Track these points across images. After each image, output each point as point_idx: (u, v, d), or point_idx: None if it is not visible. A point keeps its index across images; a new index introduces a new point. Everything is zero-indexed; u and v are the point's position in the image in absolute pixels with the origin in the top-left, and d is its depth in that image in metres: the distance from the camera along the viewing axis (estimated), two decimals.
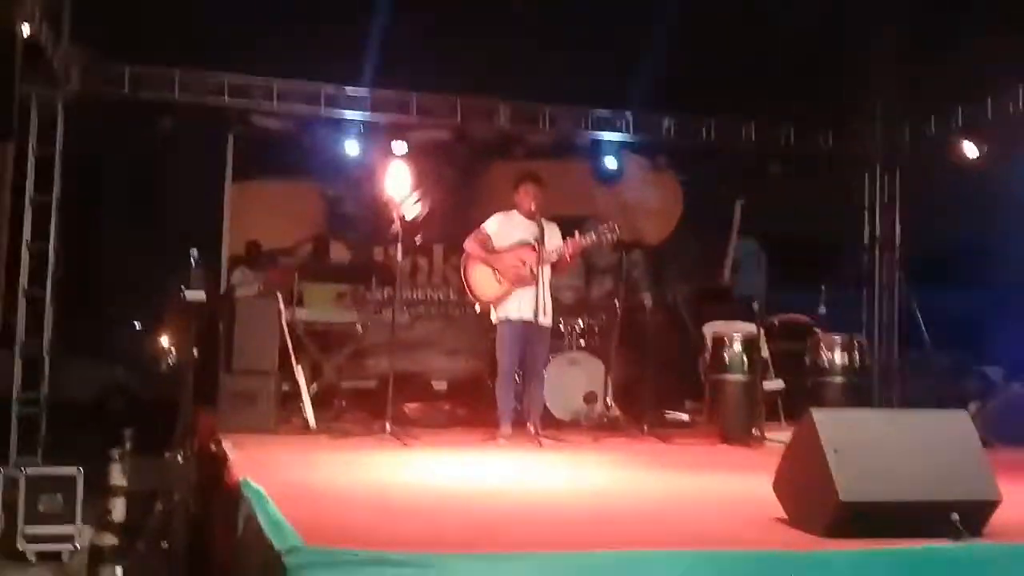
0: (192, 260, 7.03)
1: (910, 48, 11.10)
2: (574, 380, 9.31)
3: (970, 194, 10.70)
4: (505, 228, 7.82)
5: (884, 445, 3.88)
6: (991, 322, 10.78)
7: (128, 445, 7.33)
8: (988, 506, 3.84)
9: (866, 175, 11.81)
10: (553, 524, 4.23)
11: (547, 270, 7.70)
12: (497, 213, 7.97)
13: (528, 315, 7.47)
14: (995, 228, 10.96)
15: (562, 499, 5.04)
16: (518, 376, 7.94)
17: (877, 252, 11.74)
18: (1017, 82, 9.66)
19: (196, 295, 6.96)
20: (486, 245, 7.81)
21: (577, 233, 8.00)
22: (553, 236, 7.79)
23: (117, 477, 7.04)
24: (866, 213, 11.82)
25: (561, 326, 9.47)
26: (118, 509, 6.94)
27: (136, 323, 13.85)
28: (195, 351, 7.31)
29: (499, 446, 7.33)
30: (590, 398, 9.28)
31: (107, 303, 13.03)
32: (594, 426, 8.87)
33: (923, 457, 3.86)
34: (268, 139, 10.62)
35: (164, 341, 11.94)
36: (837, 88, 11.30)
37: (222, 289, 10.27)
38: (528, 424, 7.59)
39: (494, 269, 7.74)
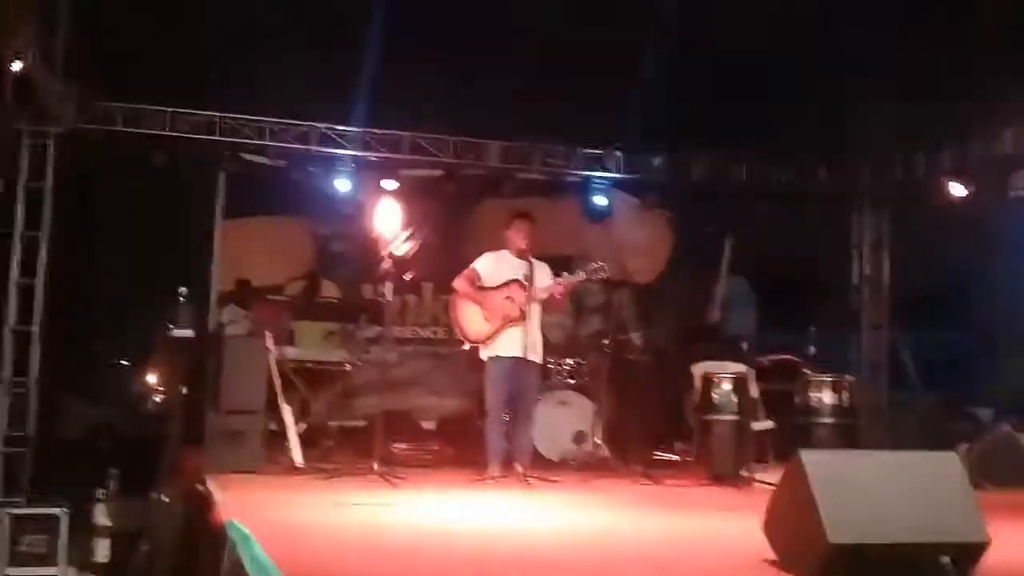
0: (181, 298, 7.02)
1: (900, 89, 11.20)
2: (563, 420, 9.27)
3: (957, 234, 10.75)
4: (495, 267, 7.84)
5: (874, 487, 3.87)
6: (980, 363, 10.79)
7: (113, 485, 7.30)
8: (978, 548, 3.82)
9: (855, 214, 11.86)
10: (540, 566, 4.20)
11: (536, 308, 7.70)
12: (487, 252, 7.98)
13: (517, 352, 7.46)
14: (983, 268, 11.00)
15: (550, 541, 5.00)
16: (507, 415, 7.92)
17: (866, 292, 11.77)
18: (1004, 124, 9.74)
19: (184, 333, 6.95)
20: (475, 283, 7.81)
21: (566, 272, 8.00)
22: (543, 275, 7.80)
23: (102, 517, 7.01)
24: (855, 252, 11.86)
25: (550, 365, 9.45)
26: (102, 550, 6.90)
27: (124, 360, 13.78)
28: (182, 389, 7.27)
29: (487, 487, 7.28)
30: (579, 438, 9.24)
31: (95, 340, 12.96)
32: (583, 466, 8.83)
33: (913, 499, 3.85)
34: (259, 177, 10.63)
35: (152, 379, 11.87)
36: (827, 127, 11.38)
37: (211, 327, 10.23)
38: (516, 464, 7.54)
39: (483, 307, 7.74)
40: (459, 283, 7.87)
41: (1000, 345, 10.76)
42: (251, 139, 10.14)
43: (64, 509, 7.52)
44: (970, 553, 3.80)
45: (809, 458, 3.92)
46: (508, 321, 7.65)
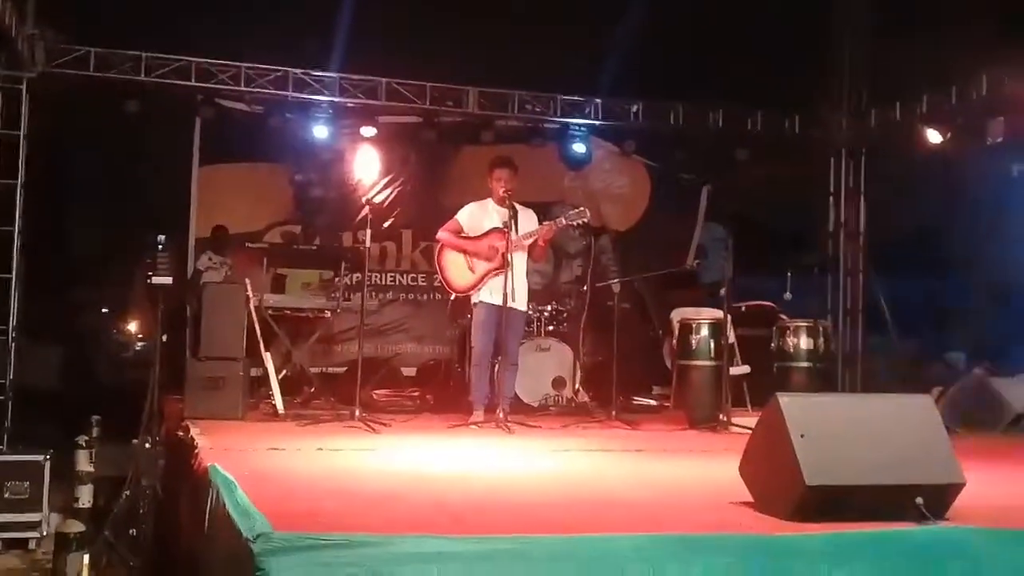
0: (159, 245, 6.98)
1: (875, 35, 11.20)
2: (543, 366, 9.33)
3: (933, 181, 10.82)
4: (477, 217, 7.82)
5: (849, 430, 3.92)
6: (954, 308, 10.91)
7: (95, 432, 7.32)
8: (952, 489, 3.89)
9: (831, 161, 11.91)
10: (519, 509, 4.25)
11: (520, 256, 7.71)
12: (470, 203, 7.95)
13: (499, 300, 7.48)
14: (959, 215, 11.08)
15: (530, 485, 5.06)
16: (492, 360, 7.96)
17: (842, 238, 11.85)
18: (980, 70, 9.76)
19: (163, 280, 6.92)
20: (458, 234, 7.80)
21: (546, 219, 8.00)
22: (528, 222, 7.78)
23: (84, 464, 7.03)
24: (831, 199, 11.92)
25: (530, 311, 9.50)
26: (85, 496, 6.93)
27: (103, 308, 13.75)
28: (162, 337, 7.26)
29: (470, 431, 7.34)
30: (559, 384, 9.32)
31: (73, 288, 12.92)
32: (563, 412, 8.92)
33: (888, 441, 3.91)
34: (236, 123, 10.56)
35: (131, 326, 11.88)
36: (803, 75, 11.38)
37: (189, 274, 10.21)
38: (498, 410, 7.60)
39: (467, 256, 7.74)
40: (442, 234, 7.86)
41: (974, 291, 10.88)
42: (227, 84, 10.05)
43: (46, 455, 7.54)
44: (945, 494, 3.86)
45: (786, 401, 3.96)
46: (491, 270, 7.66)
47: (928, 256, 11.50)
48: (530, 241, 7.70)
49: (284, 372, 8.67)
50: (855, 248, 11.76)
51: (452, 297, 8.49)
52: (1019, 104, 9.50)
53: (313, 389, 8.86)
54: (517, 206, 7.74)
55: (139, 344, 11.25)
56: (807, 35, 11.17)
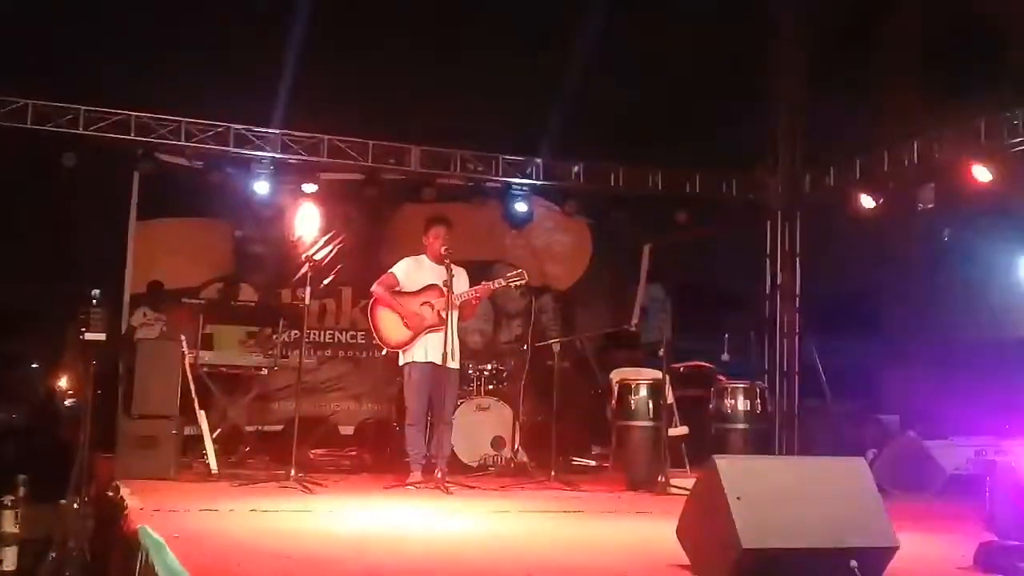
0: (93, 299, 6.87)
1: (811, 100, 11.47)
2: (482, 425, 9.30)
3: (867, 244, 11.03)
4: (413, 272, 7.81)
5: (785, 492, 3.95)
6: (887, 371, 11.07)
7: (22, 491, 7.12)
8: (886, 553, 3.93)
9: (768, 223, 12.10)
10: (456, 572, 4.21)
11: (455, 314, 7.70)
12: (406, 258, 7.95)
13: (436, 358, 7.45)
14: (893, 278, 11.28)
15: (468, 548, 5.01)
16: (428, 419, 7.91)
17: (778, 300, 12.01)
18: (912, 137, 10.03)
19: (96, 336, 6.80)
20: (393, 289, 7.78)
21: (485, 279, 8.01)
22: (461, 280, 7.79)
23: (9, 525, 6.83)
24: (768, 261, 12.09)
25: (470, 371, 9.47)
26: (9, 558, 6.73)
27: (33, 363, 13.45)
28: (94, 393, 7.12)
29: (408, 492, 7.27)
30: (498, 444, 9.29)
31: (3, 341, 12.64)
32: (502, 472, 8.87)
33: (823, 504, 3.94)
34: (175, 177, 10.48)
35: (62, 382, 11.61)
36: (740, 138, 11.61)
37: (123, 330, 10.04)
38: (436, 470, 7.54)
39: (401, 313, 7.71)
40: (377, 289, 7.83)
41: (908, 354, 11.04)
42: (167, 139, 10.00)
43: None
44: (879, 558, 3.90)
45: (722, 464, 3.98)
46: (426, 327, 7.64)
47: (862, 318, 11.68)
48: (464, 300, 7.70)
49: (219, 430, 8.54)
50: (791, 309, 11.91)
51: (384, 353, 8.44)
52: (949, 171, 9.76)
53: (248, 448, 8.72)
54: (451, 265, 7.74)
55: (70, 401, 11.00)
56: (743, 99, 11.41)
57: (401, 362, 7.79)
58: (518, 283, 7.94)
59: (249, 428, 9.17)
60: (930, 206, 9.99)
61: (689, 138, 11.10)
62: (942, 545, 5.24)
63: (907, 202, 10.18)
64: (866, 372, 11.25)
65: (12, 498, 7.03)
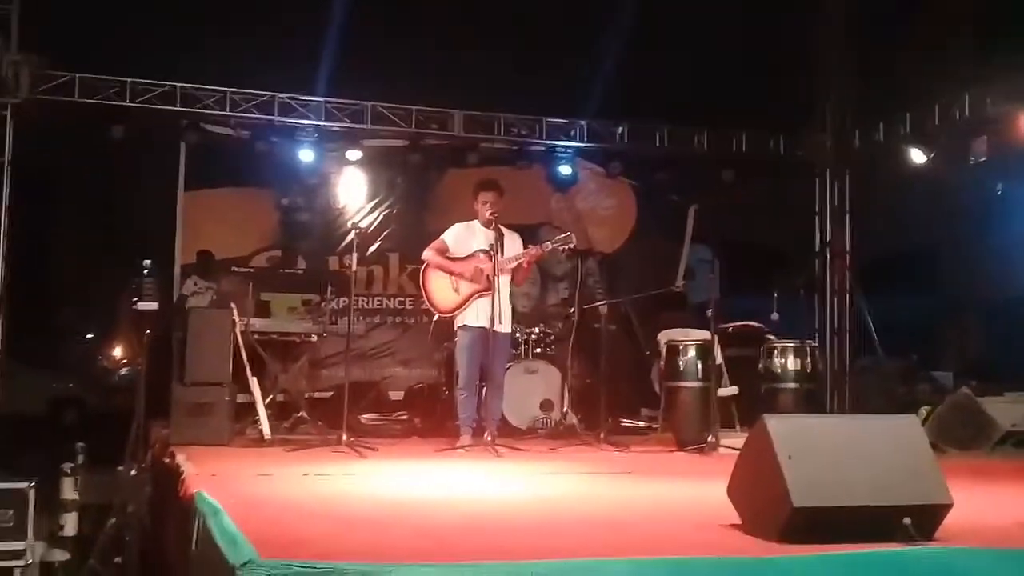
0: (144, 270, 6.95)
1: (859, 56, 11.28)
2: (531, 388, 9.32)
3: (918, 200, 10.87)
4: (464, 238, 7.82)
5: (836, 450, 3.92)
6: (940, 327, 10.94)
7: (80, 459, 7.25)
8: (940, 510, 3.89)
9: (816, 182, 11.95)
10: (508, 533, 4.23)
11: (505, 278, 7.70)
12: (456, 224, 7.96)
13: (487, 323, 7.47)
14: (944, 234, 11.13)
15: (518, 509, 5.04)
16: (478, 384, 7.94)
17: (828, 258, 11.88)
18: (963, 90, 9.84)
19: (148, 306, 6.88)
20: (444, 254, 7.80)
21: (532, 243, 8.01)
22: (513, 245, 7.79)
23: (69, 491, 6.96)
24: (817, 219, 11.95)
25: (517, 334, 9.49)
26: (70, 524, 6.86)
27: (88, 334, 13.68)
28: (148, 362, 7.22)
29: (458, 455, 7.32)
30: (547, 406, 9.30)
31: (58, 313, 12.87)
32: (551, 434, 8.89)
33: (875, 462, 3.90)
34: (221, 147, 10.56)
35: (116, 352, 11.82)
36: (788, 95, 11.45)
37: (175, 299, 10.17)
38: (485, 433, 7.57)
39: (452, 277, 7.74)
40: (428, 254, 7.85)
41: (960, 310, 10.91)
42: (212, 109, 10.06)
43: (31, 483, 7.46)
44: (932, 515, 3.86)
45: (773, 423, 3.96)
46: (477, 291, 7.65)
47: (914, 275, 11.55)
48: (515, 264, 7.70)
49: (271, 397, 8.63)
50: (841, 268, 11.78)
51: (435, 319, 8.47)
52: (1001, 124, 9.57)
53: (301, 414, 8.81)
54: (503, 229, 7.75)
55: (124, 370, 11.18)
56: (791, 56, 11.24)
57: (456, 324, 7.82)
58: (566, 246, 7.93)
59: (299, 395, 9.27)
60: (983, 159, 9.81)
61: (735, 97, 10.96)
62: (998, 502, 5.19)
63: (959, 156, 10.01)
64: (919, 329, 11.14)
65: (71, 465, 7.16)
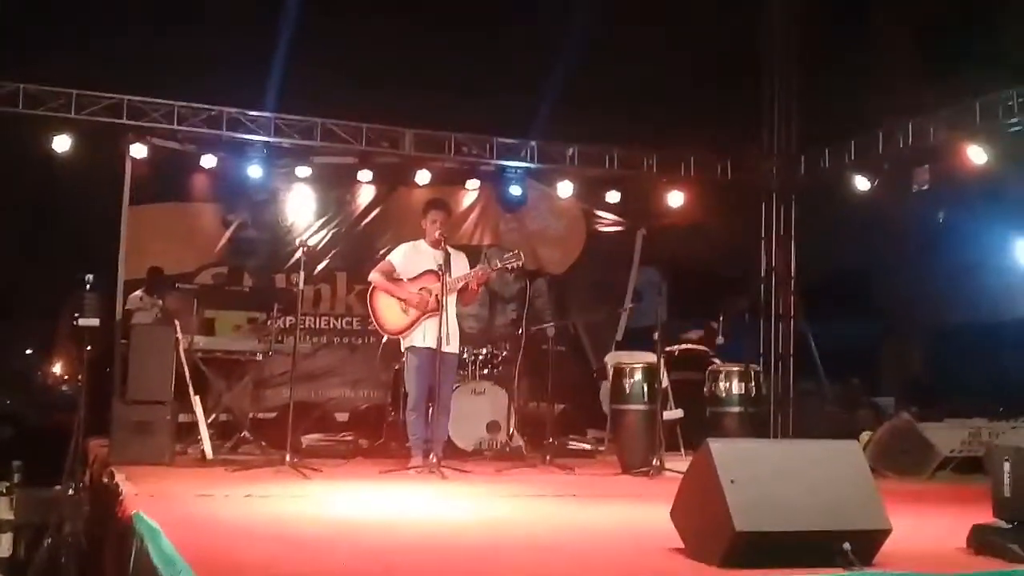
0: (86, 285, 6.86)
1: (805, 83, 11.45)
2: (478, 410, 9.29)
3: (862, 227, 11.03)
4: (411, 258, 7.80)
5: (779, 475, 3.95)
6: (882, 353, 11.09)
7: (16, 477, 7.11)
8: (879, 535, 3.93)
9: (763, 206, 12.08)
10: (452, 556, 4.21)
11: (452, 299, 7.69)
12: (403, 244, 7.94)
13: (433, 343, 7.44)
14: (887, 260, 11.29)
15: (462, 531, 5.02)
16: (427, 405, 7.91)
17: (773, 282, 12.00)
18: (907, 118, 10.01)
19: (90, 321, 6.78)
20: (391, 275, 7.76)
21: (482, 262, 8.01)
22: (459, 265, 7.78)
23: (4, 511, 6.82)
24: (763, 244, 12.08)
25: (464, 355, 9.46)
26: (4, 544, 6.72)
27: (27, 349, 13.46)
28: (88, 379, 7.11)
29: (403, 476, 7.27)
30: (493, 428, 9.28)
31: None
32: (497, 456, 8.88)
33: (816, 487, 3.94)
34: (168, 161, 10.44)
35: (56, 368, 11.63)
36: (735, 121, 11.58)
37: (118, 315, 10.02)
38: (431, 455, 7.53)
39: (399, 299, 7.70)
40: (375, 276, 7.81)
41: (902, 336, 11.07)
42: (159, 123, 9.96)
43: None
44: (871, 540, 3.90)
45: (716, 447, 3.98)
46: (424, 312, 7.62)
47: (857, 301, 11.70)
48: (462, 284, 7.69)
49: (214, 416, 8.53)
50: (786, 292, 11.91)
51: (384, 340, 8.43)
52: (944, 153, 9.75)
53: (244, 434, 8.71)
54: (450, 249, 7.73)
55: (64, 386, 11.00)
56: (738, 81, 11.39)
57: (403, 347, 7.79)
58: (514, 264, 7.92)
59: (243, 414, 9.16)
60: (925, 188, 9.99)
61: (684, 119, 11.06)
62: (936, 527, 5.25)
63: (903, 184, 10.17)
64: (861, 354, 11.28)
65: (7, 484, 7.03)
